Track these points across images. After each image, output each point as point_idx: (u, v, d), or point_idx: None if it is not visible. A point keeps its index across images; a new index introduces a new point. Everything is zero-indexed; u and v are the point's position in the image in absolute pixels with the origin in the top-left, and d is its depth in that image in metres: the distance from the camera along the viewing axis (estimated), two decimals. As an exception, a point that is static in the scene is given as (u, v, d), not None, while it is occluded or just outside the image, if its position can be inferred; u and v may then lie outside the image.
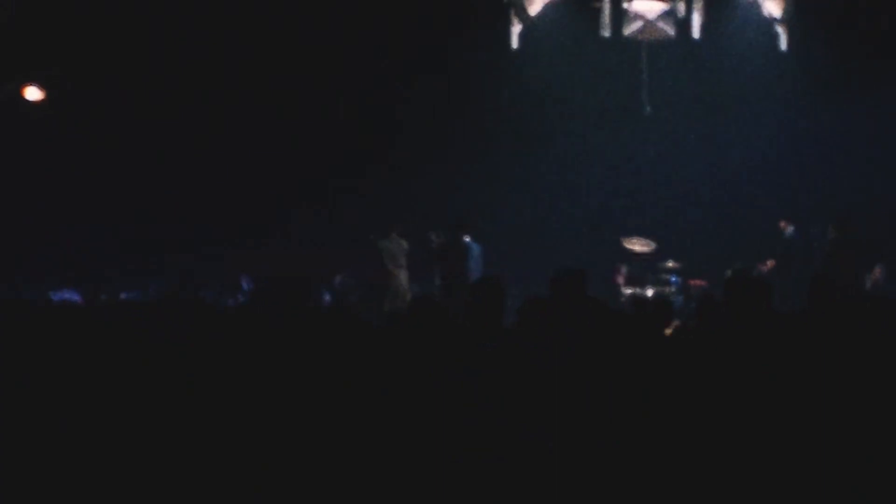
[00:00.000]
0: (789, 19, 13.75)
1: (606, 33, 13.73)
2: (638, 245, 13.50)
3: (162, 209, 13.61)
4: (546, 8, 13.77)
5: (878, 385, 3.93)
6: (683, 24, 13.60)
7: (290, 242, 13.28)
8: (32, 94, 12.97)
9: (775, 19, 13.84)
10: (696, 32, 13.80)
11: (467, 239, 12.57)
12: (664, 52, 13.87)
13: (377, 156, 13.84)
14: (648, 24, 13.49)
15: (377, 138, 13.84)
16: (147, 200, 13.61)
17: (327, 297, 12.34)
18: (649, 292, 13.08)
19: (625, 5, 13.46)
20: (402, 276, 12.93)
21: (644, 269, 13.44)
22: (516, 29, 13.80)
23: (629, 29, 13.55)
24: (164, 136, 13.58)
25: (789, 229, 13.03)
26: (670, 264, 13.35)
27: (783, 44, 13.89)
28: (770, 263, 12.80)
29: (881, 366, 4.01)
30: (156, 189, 13.60)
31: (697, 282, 13.30)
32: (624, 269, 13.53)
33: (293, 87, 13.65)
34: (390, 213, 13.38)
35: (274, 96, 13.63)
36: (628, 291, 13.10)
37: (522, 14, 13.72)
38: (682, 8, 13.57)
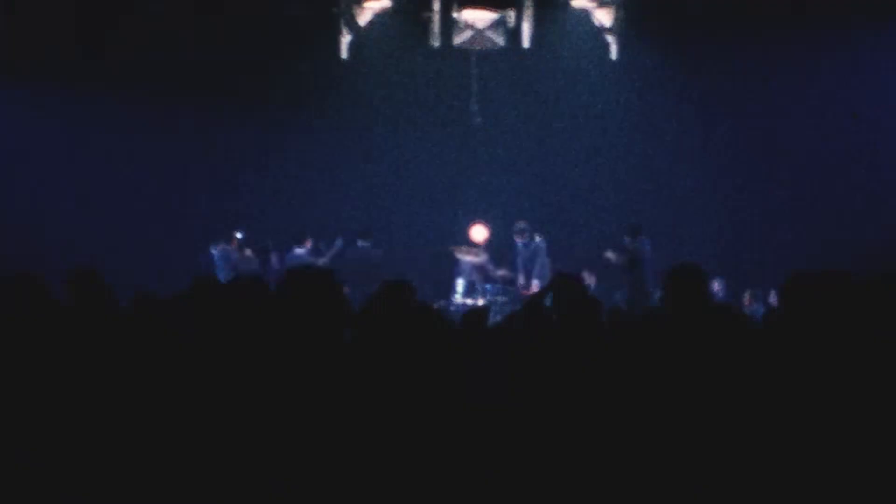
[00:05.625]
0: (620, 29, 13.84)
1: (436, 43, 13.69)
2: (469, 255, 13.43)
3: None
4: (375, 18, 13.64)
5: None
6: (514, 34, 13.63)
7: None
8: None
9: (605, 29, 13.90)
10: (526, 42, 13.83)
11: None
12: (495, 61, 13.86)
13: (199, 162, 13.58)
14: (478, 33, 13.49)
15: (201, 145, 13.55)
16: None
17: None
18: (480, 302, 12.98)
19: (454, 15, 13.44)
20: None
21: (477, 279, 13.36)
22: (346, 39, 13.68)
23: (459, 39, 13.51)
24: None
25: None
26: (501, 273, 13.32)
27: (614, 53, 13.98)
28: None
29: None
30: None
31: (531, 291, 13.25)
32: (460, 280, 13.44)
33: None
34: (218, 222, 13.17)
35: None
36: (465, 302, 12.90)
37: (352, 24, 13.59)
38: (512, 17, 13.60)
